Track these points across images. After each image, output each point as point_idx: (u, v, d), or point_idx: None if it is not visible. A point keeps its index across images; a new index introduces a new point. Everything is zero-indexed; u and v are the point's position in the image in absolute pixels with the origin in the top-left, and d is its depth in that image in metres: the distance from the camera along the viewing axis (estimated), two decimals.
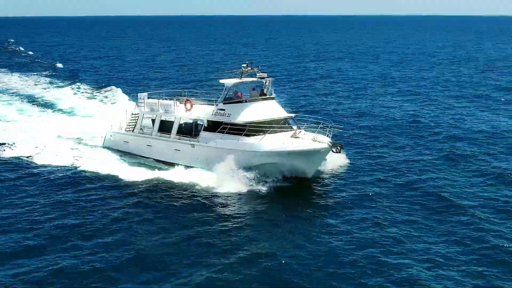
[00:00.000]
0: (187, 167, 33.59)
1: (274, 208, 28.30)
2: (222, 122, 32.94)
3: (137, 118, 38.84)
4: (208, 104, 35.85)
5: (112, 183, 32.04)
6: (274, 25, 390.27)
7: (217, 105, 33.84)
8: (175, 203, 28.65)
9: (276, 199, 29.38)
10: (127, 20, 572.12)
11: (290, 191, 30.58)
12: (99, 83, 71.62)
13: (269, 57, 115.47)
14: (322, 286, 20.20)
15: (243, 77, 34.46)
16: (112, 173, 33.41)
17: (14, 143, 40.16)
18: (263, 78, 34.25)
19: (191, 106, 35.29)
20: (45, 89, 69.04)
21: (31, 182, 32.30)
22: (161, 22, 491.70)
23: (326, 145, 30.10)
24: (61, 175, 33.66)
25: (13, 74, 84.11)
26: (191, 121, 35.44)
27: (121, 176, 32.80)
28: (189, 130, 35.08)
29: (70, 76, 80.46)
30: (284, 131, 31.96)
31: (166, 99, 38.23)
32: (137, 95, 39.96)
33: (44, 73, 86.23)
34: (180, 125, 35.62)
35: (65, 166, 35.26)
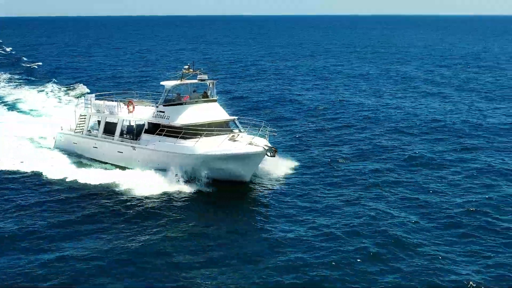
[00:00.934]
0: (126, 169, 33.44)
1: (207, 211, 28.34)
2: (160, 124, 32.72)
3: (85, 119, 38.57)
4: (150, 106, 35.60)
5: (37, 184, 31.88)
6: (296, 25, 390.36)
7: (157, 107, 33.60)
8: (105, 208, 28.24)
9: (212, 202, 29.29)
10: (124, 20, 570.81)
11: (227, 194, 30.41)
12: (70, 84, 71.26)
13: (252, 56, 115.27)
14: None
15: (184, 79, 34.22)
16: (42, 174, 33.44)
17: None
18: (204, 80, 34.03)
19: (133, 108, 34.97)
20: (13, 88, 68.77)
21: None
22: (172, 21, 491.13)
23: (260, 149, 29.77)
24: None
25: None
26: (133, 123, 35.18)
27: (49, 176, 32.92)
28: (131, 132, 34.83)
29: (45, 76, 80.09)
30: (222, 134, 31.63)
31: (115, 100, 37.95)
32: (84, 97, 39.73)
33: (18, 72, 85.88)
34: (122, 127, 35.35)
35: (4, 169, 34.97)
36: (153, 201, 28.91)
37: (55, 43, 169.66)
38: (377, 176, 32.84)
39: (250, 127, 33.33)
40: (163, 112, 32.92)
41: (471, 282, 20.25)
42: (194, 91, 34.76)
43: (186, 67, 34.36)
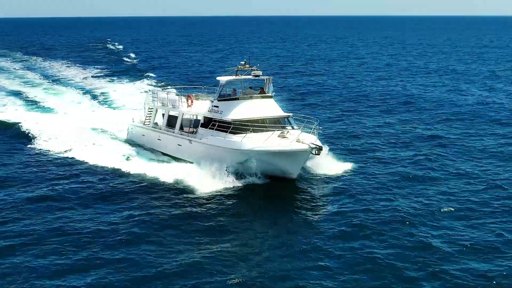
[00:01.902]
0: (185, 161, 34.15)
1: (256, 206, 28.26)
2: (212, 118, 33.08)
3: (152, 112, 39.88)
4: (208, 101, 36.05)
5: (97, 175, 32.93)
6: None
7: (212, 101, 34.00)
8: (155, 202, 28.54)
9: (261, 197, 29.32)
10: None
11: (276, 189, 30.28)
12: (162, 80, 73.96)
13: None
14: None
15: (240, 74, 34.36)
16: (106, 166, 34.54)
17: (40, 133, 42.71)
18: (258, 76, 33.97)
19: (192, 102, 35.65)
20: (109, 82, 72.79)
21: (32, 167, 34.14)
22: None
23: (305, 146, 29.25)
24: (59, 162, 35.64)
25: (90, 68, 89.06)
26: (191, 117, 35.86)
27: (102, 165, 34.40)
28: (189, 126, 35.52)
29: (143, 71, 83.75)
30: (272, 130, 31.28)
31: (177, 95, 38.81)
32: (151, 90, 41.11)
33: (120, 67, 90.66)
34: (182, 121, 36.14)
35: (64, 155, 37.17)
36: (201, 196, 29.10)
37: (168, 42, 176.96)
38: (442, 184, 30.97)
39: (304, 124, 32.80)
40: (217, 106, 33.29)
41: None
42: (250, 87, 34.78)
43: (242, 62, 34.58)
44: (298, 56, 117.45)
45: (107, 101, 57.88)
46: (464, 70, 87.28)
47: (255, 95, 33.96)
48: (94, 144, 39.49)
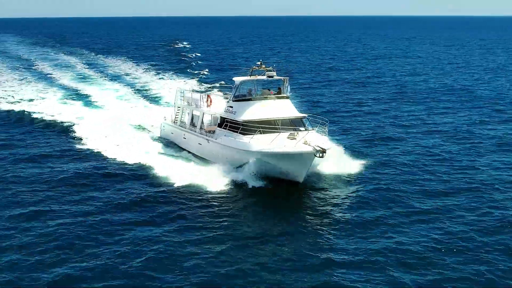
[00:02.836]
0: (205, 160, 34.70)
1: (259, 209, 28.26)
2: (226, 118, 33.53)
3: (180, 110, 40.84)
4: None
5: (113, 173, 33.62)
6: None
7: (227, 102, 34.42)
8: (161, 200, 28.81)
9: (266, 199, 29.24)
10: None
11: (291, 189, 30.16)
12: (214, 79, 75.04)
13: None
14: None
15: (253, 75, 34.61)
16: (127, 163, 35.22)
17: (78, 126, 44.65)
18: (271, 77, 34.02)
19: (211, 101, 36.22)
20: (164, 79, 74.67)
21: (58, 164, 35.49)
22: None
23: (307, 149, 28.76)
24: (82, 153, 37.40)
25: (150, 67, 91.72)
26: (209, 117, 36.46)
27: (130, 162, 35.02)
28: (208, 125, 36.15)
29: (197, 71, 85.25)
30: (282, 131, 31.22)
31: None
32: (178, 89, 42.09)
33: (177, 66, 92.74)
34: (203, 120, 36.81)
35: (89, 147, 39.05)
36: (210, 195, 29.35)
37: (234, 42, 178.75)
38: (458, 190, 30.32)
39: (319, 126, 32.69)
40: (232, 107, 33.63)
41: None
42: (268, 89, 34.97)
43: (258, 63, 34.69)
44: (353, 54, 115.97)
45: (155, 98, 59.46)
46: None
47: (270, 95, 34.05)
48: (124, 138, 40.55)
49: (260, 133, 31.17)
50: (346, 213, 26.86)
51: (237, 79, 34.68)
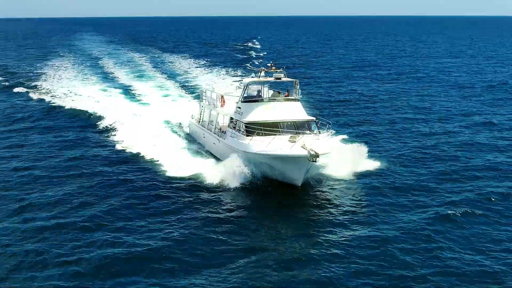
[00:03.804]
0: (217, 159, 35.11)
1: (257, 210, 28.15)
2: (234, 119, 33.85)
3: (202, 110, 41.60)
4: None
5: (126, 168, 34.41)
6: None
7: (237, 102, 34.71)
8: (164, 198, 29.05)
9: (266, 202, 29.18)
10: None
11: (282, 192, 29.94)
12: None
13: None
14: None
15: (266, 77, 34.66)
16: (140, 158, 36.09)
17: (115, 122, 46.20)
18: (279, 79, 33.91)
19: (224, 102, 36.63)
20: (219, 77, 75.60)
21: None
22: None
23: (299, 153, 28.28)
24: (104, 144, 39.07)
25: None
26: (222, 117, 36.90)
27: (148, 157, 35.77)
28: (221, 126, 36.63)
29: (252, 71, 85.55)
30: (281, 134, 31.03)
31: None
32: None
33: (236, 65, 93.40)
34: (217, 120, 37.32)
35: (113, 139, 40.88)
36: (208, 193, 29.69)
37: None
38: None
39: (327, 128, 32.43)
40: (240, 108, 33.87)
41: None
42: (278, 91, 35.01)
43: (269, 65, 34.71)
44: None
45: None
46: None
47: (279, 98, 34.02)
48: (153, 133, 41.56)
49: (260, 135, 31.20)
50: (351, 213, 26.94)
51: (246, 80, 34.91)
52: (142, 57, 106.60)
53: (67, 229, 24.88)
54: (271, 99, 33.78)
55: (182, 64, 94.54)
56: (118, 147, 38.82)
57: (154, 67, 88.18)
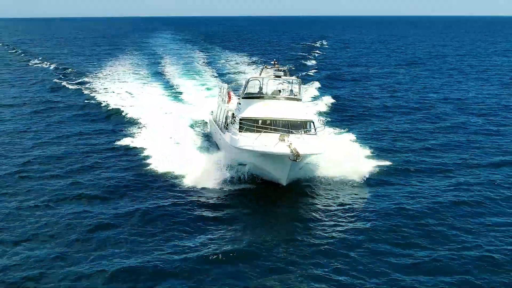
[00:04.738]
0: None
1: (244, 207, 28.01)
2: (234, 115, 33.70)
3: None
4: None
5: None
6: None
7: (238, 98, 34.54)
8: (148, 196, 29.01)
9: (252, 199, 28.95)
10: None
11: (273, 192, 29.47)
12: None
13: None
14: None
15: (263, 74, 34.41)
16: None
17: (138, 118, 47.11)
18: (279, 76, 33.51)
19: (229, 98, 36.54)
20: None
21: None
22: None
23: (278, 151, 27.69)
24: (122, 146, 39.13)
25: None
26: (227, 113, 36.77)
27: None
28: (225, 122, 36.54)
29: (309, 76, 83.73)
30: (274, 132, 30.38)
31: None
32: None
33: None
34: (225, 116, 37.28)
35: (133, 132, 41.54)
36: (194, 190, 29.66)
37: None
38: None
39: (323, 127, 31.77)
40: (240, 104, 33.75)
41: None
42: (279, 91, 34.61)
43: (272, 62, 34.38)
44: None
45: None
46: None
47: (279, 96, 33.55)
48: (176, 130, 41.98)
49: (254, 132, 30.72)
50: (348, 217, 26.38)
51: (248, 77, 34.69)
52: (205, 55, 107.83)
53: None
54: (271, 97, 33.39)
55: (238, 62, 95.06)
56: (128, 141, 39.43)
57: (208, 65, 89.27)
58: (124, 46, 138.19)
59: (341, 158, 32.06)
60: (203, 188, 29.65)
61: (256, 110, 32.37)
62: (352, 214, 26.52)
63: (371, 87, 68.82)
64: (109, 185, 30.16)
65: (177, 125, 44.62)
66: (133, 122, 45.74)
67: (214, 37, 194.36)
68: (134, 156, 35.65)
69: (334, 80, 75.43)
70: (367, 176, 31.18)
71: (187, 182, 30.40)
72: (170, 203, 27.76)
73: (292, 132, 30.48)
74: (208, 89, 63.96)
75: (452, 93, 64.35)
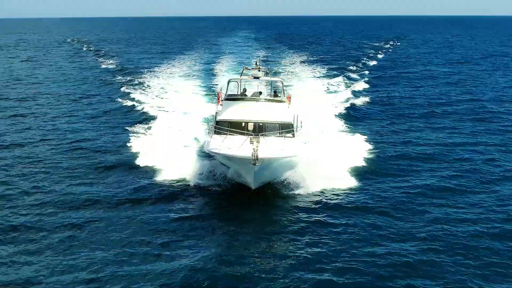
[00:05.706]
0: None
1: (214, 209, 28.13)
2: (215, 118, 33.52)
3: None
4: None
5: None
6: None
7: (222, 100, 34.24)
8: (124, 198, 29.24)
9: (225, 202, 28.83)
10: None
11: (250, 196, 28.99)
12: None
13: None
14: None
15: (250, 76, 33.86)
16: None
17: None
18: (257, 77, 33.03)
19: (219, 100, 36.29)
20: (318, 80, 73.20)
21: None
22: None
23: (236, 154, 27.30)
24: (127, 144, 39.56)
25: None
26: (215, 115, 36.61)
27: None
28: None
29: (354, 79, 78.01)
30: (245, 134, 29.75)
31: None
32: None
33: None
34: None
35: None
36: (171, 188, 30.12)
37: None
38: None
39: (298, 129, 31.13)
40: (222, 105, 33.52)
41: None
42: (260, 92, 34.08)
43: (253, 63, 33.89)
44: None
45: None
46: None
47: (259, 98, 33.06)
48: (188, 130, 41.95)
49: (219, 134, 30.54)
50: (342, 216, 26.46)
51: (227, 78, 34.38)
52: (267, 55, 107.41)
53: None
54: (251, 99, 32.93)
55: (294, 62, 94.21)
56: (132, 138, 40.00)
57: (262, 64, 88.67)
58: (193, 45, 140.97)
59: (329, 158, 31.75)
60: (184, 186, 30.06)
61: (232, 112, 32.01)
62: (335, 212, 26.75)
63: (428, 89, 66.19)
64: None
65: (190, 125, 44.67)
66: (148, 119, 46.08)
67: (283, 36, 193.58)
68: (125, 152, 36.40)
69: (383, 80, 73.77)
70: (354, 177, 30.92)
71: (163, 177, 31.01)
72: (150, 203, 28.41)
73: (264, 135, 29.82)
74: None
75: None
